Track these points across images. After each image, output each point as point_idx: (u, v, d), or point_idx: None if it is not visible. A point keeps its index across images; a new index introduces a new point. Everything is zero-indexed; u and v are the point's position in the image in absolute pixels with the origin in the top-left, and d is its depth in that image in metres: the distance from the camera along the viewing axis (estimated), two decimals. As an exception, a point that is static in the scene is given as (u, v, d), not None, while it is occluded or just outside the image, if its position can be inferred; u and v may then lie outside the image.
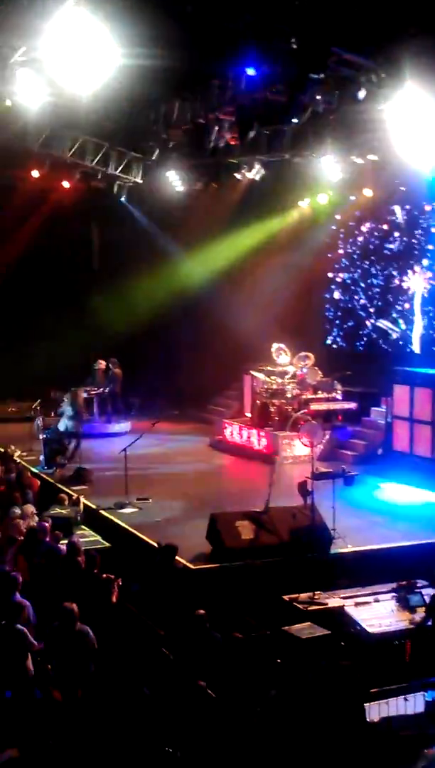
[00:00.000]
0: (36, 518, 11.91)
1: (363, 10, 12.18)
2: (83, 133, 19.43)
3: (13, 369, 22.44)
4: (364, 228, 20.27)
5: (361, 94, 14.44)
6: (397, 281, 19.32)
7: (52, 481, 15.87)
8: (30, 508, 12.20)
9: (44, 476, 16.08)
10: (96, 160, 20.27)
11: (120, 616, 8.86)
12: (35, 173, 20.81)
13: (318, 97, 14.93)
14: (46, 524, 11.18)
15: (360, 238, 20.44)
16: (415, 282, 18.80)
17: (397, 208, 19.09)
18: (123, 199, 22.47)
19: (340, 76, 14.17)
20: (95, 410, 21.17)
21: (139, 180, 21.46)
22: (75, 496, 13.83)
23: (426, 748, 5.81)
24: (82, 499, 13.61)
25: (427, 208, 18.46)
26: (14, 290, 23.51)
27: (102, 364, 21.41)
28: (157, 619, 9.00)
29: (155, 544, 11.86)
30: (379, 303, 19.88)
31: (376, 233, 19.95)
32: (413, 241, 18.91)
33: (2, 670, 7.59)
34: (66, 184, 21.65)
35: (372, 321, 20.07)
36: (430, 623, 9.50)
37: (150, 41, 13.63)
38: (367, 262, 20.23)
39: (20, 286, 23.54)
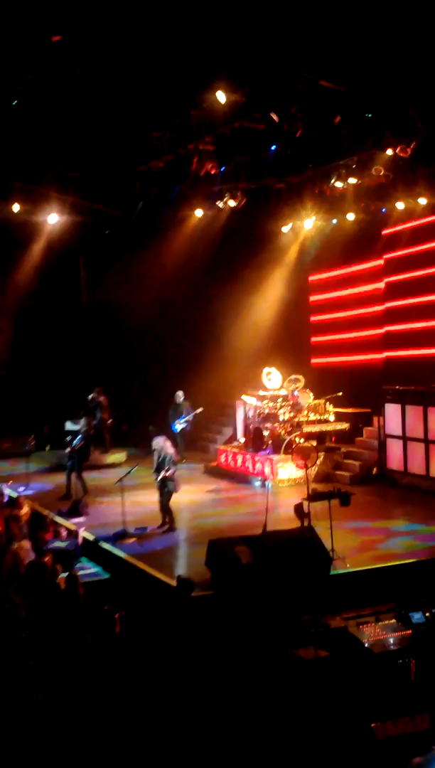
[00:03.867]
0: (33, 553, 11.89)
1: (334, 36, 12.41)
2: (66, 168, 19.57)
3: (2, 407, 22.52)
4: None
5: (336, 118, 14.73)
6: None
7: (45, 513, 15.84)
8: (26, 544, 12.17)
9: (37, 508, 16.05)
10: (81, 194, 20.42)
11: (124, 647, 8.84)
12: (16, 207, 20.80)
13: (295, 123, 15.18)
14: (46, 559, 11.16)
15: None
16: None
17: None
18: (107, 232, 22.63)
19: (314, 102, 14.40)
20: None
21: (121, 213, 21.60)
22: (73, 528, 13.83)
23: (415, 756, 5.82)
24: (81, 532, 13.60)
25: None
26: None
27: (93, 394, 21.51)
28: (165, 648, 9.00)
29: (163, 578, 11.88)
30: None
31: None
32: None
33: (18, 704, 7.54)
34: (52, 219, 21.72)
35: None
36: (432, 640, 9.50)
37: (126, 73, 13.88)
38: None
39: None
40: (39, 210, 20.97)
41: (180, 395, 21.45)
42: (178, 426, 21.11)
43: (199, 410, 21.29)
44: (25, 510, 13.88)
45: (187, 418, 21.19)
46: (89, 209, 21.23)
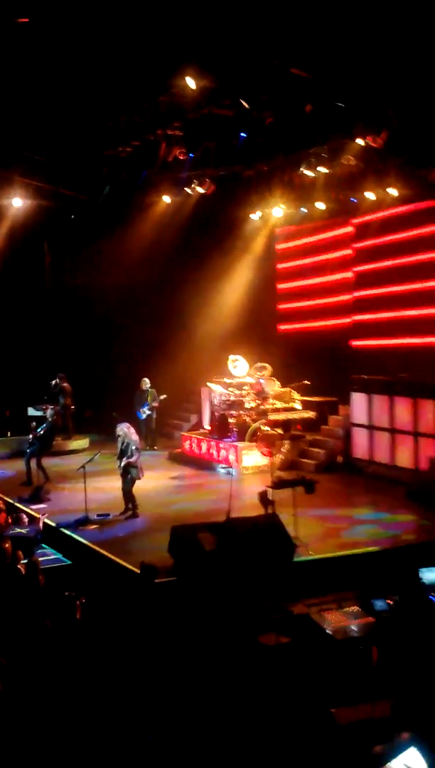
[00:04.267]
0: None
1: (306, 23, 12.35)
2: (31, 151, 19.34)
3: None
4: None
5: (307, 107, 14.68)
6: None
7: (6, 499, 15.70)
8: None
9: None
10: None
11: (85, 633, 8.78)
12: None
13: (265, 111, 15.13)
14: (6, 545, 11.04)
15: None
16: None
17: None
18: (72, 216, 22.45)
19: (285, 89, 14.34)
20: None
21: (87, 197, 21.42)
22: (35, 515, 13.71)
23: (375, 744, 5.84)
24: (43, 518, 13.49)
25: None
26: None
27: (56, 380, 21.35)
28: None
29: (125, 564, 11.82)
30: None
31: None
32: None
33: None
34: (16, 202, 21.43)
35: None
36: (394, 627, 9.55)
37: (95, 57, 13.73)
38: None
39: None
40: (3, 193, 20.73)
41: (146, 382, 21.35)
42: (143, 413, 21.02)
43: (163, 397, 21.20)
44: None
45: (151, 405, 21.09)
46: (55, 193, 21.01)
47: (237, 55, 13.37)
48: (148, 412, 21.10)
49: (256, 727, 6.93)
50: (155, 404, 21.12)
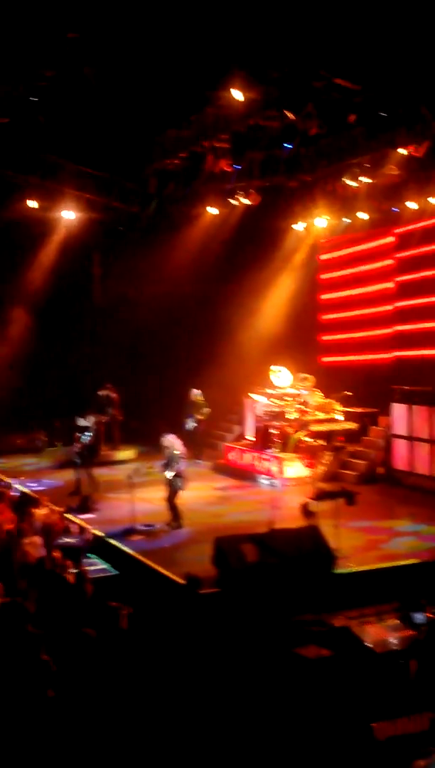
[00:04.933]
0: (43, 549, 12.01)
1: (350, 34, 12.45)
2: (83, 165, 19.68)
3: (13, 402, 22.69)
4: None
5: (351, 117, 14.80)
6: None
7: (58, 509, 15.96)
8: (37, 540, 12.29)
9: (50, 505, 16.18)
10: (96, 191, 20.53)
11: (131, 643, 8.94)
12: (32, 203, 20.87)
13: (310, 121, 15.25)
14: (57, 555, 11.28)
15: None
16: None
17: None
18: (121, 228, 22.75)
19: (330, 100, 14.45)
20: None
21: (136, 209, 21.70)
22: (84, 525, 13.94)
23: (417, 759, 5.91)
24: (92, 529, 13.71)
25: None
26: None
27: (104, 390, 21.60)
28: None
29: (170, 575, 12.01)
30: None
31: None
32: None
33: (27, 699, 7.65)
34: (68, 215, 21.72)
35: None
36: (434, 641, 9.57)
37: (143, 71, 13.97)
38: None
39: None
40: (55, 206, 21.09)
41: (195, 393, 21.40)
42: (189, 424, 21.03)
43: (206, 410, 21.19)
44: (44, 511, 13.96)
45: (196, 416, 21.15)
46: (104, 206, 21.33)
47: (283, 66, 13.54)
48: (194, 424, 21.17)
49: (295, 741, 7.03)
50: (200, 416, 21.19)
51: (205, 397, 21.45)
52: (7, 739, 6.83)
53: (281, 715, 7.56)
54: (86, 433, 17.97)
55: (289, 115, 14.85)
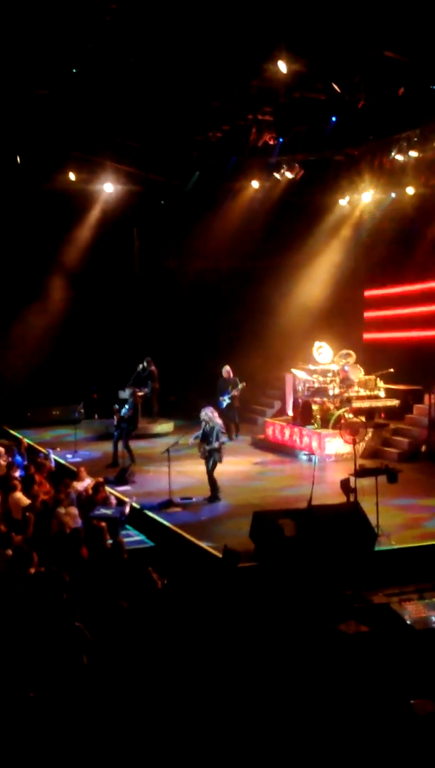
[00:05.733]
0: (79, 520, 12.05)
1: (399, 6, 12.19)
2: (123, 137, 19.57)
3: (51, 373, 22.78)
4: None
5: (400, 90, 14.49)
6: None
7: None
8: (73, 510, 12.33)
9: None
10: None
11: (167, 614, 8.93)
12: (72, 176, 20.81)
13: (357, 94, 14.97)
14: (103, 524, 11.28)
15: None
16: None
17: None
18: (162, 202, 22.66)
19: (378, 72, 14.17)
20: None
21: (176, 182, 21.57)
22: (122, 497, 13.96)
23: None
24: (131, 501, 13.72)
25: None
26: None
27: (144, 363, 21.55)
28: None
29: (208, 548, 11.97)
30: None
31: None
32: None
33: (62, 666, 7.67)
34: (108, 188, 21.62)
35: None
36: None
37: (186, 43, 13.79)
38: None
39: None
40: (96, 179, 21.03)
41: (226, 370, 21.23)
42: (223, 402, 20.83)
43: (242, 385, 20.94)
44: (83, 482, 13.98)
45: (232, 393, 20.92)
46: (145, 179, 21.23)
47: (330, 38, 13.27)
48: (228, 401, 20.83)
49: (334, 716, 6.95)
50: (235, 392, 20.97)
51: (242, 372, 21.26)
52: (43, 704, 6.84)
53: (320, 691, 7.48)
54: (125, 406, 17.97)
55: (336, 87, 14.60)
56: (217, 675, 7.69)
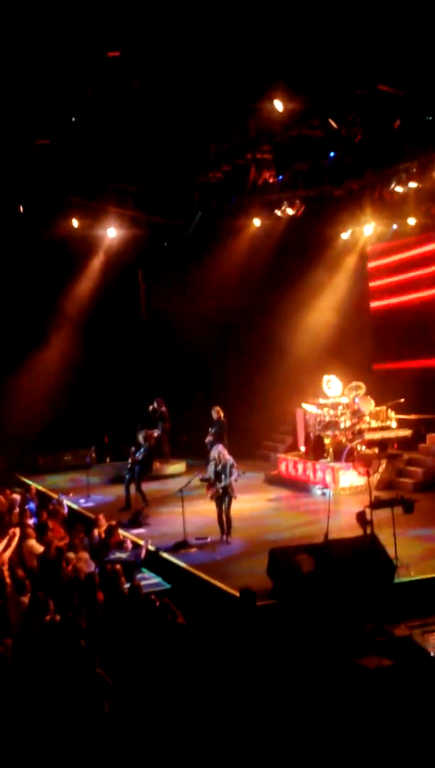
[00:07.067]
0: (92, 564, 11.96)
1: (392, 40, 12.32)
2: (124, 182, 19.76)
3: (62, 419, 22.80)
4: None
5: (396, 122, 14.62)
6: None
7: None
8: (85, 555, 12.25)
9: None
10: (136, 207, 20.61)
11: (186, 656, 8.82)
12: (75, 222, 20.98)
13: (354, 129, 15.12)
14: (118, 567, 11.18)
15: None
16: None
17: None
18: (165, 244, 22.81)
19: (373, 106, 14.30)
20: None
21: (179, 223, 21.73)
22: (137, 540, 13.88)
23: None
24: (147, 545, 13.62)
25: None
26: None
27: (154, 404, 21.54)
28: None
29: (225, 587, 11.85)
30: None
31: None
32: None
33: (82, 714, 7.56)
34: (111, 233, 21.78)
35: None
36: None
37: (182, 85, 13.98)
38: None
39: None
40: (98, 224, 21.21)
41: (217, 411, 20.26)
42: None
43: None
44: (101, 529, 13.87)
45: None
46: (147, 222, 21.40)
47: (324, 74, 13.44)
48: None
49: (358, 754, 6.82)
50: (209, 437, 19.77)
51: (253, 409, 21.07)
52: (66, 752, 6.74)
53: (343, 728, 7.36)
54: (141, 449, 17.96)
55: (333, 123, 14.74)
56: (240, 716, 7.57)
